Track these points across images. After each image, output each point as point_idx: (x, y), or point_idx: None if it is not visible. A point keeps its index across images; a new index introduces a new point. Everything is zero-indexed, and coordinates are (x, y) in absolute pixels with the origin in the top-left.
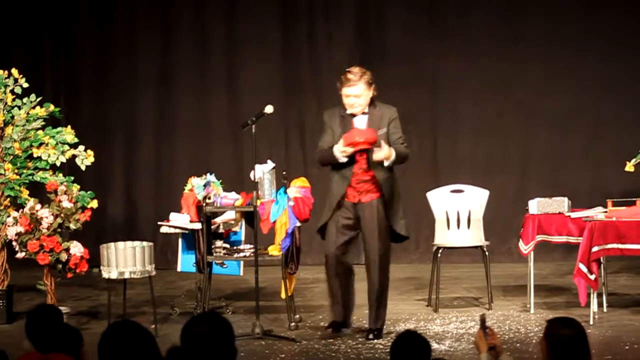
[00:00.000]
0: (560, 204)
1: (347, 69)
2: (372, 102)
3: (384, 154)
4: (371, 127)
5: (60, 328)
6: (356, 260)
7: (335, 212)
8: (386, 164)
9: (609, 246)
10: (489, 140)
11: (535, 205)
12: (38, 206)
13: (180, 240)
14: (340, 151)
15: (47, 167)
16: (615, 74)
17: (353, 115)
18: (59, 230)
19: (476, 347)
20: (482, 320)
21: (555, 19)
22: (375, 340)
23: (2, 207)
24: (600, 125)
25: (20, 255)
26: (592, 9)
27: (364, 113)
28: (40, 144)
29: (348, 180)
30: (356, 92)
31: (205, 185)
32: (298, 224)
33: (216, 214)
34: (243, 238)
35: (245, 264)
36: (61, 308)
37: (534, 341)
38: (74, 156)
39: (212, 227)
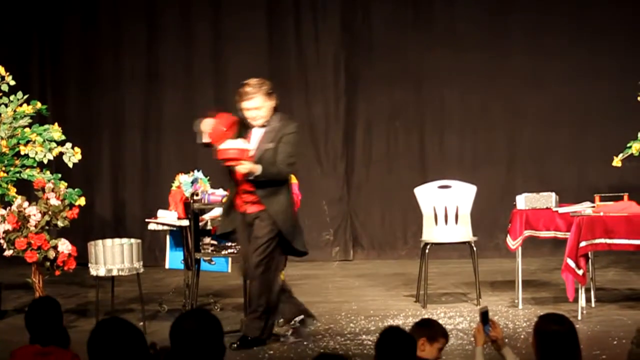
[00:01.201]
0: (547, 199)
1: (243, 82)
2: (275, 113)
3: (245, 169)
4: (265, 142)
5: (60, 320)
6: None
7: (235, 218)
8: (250, 177)
9: (597, 241)
10: (475, 135)
11: (523, 201)
12: (25, 204)
13: (168, 237)
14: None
15: (35, 165)
16: (603, 68)
17: (252, 126)
18: (47, 227)
19: (474, 339)
20: (483, 313)
21: (541, 12)
22: (364, 336)
23: None
24: (587, 119)
25: (8, 253)
26: (579, 2)
27: (263, 125)
28: (28, 142)
29: (235, 188)
30: (256, 105)
31: (192, 182)
32: None
33: (204, 211)
34: None
35: (233, 260)
36: None
37: (522, 336)
38: (61, 153)
39: (200, 223)
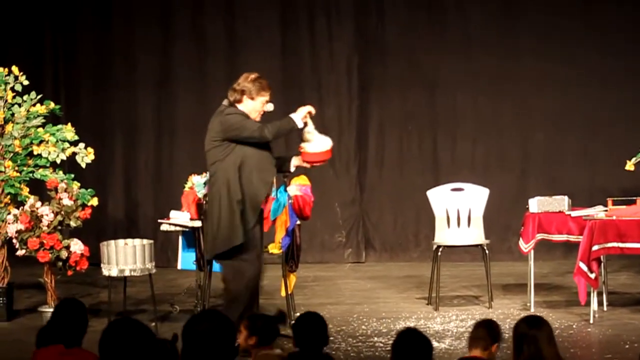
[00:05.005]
0: (560, 203)
1: (258, 75)
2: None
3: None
4: None
5: (86, 322)
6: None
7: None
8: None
9: (609, 245)
10: (488, 138)
11: (536, 204)
12: (38, 204)
13: (180, 238)
14: (302, 118)
15: (48, 165)
16: (614, 72)
17: None
18: (59, 227)
19: None
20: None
21: (553, 16)
22: (376, 339)
23: (2, 205)
24: (599, 123)
25: (20, 252)
26: (590, 7)
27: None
28: (41, 142)
29: (270, 183)
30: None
31: (205, 183)
32: (298, 222)
33: None
34: None
35: None
36: None
37: None
38: (74, 154)
39: None
